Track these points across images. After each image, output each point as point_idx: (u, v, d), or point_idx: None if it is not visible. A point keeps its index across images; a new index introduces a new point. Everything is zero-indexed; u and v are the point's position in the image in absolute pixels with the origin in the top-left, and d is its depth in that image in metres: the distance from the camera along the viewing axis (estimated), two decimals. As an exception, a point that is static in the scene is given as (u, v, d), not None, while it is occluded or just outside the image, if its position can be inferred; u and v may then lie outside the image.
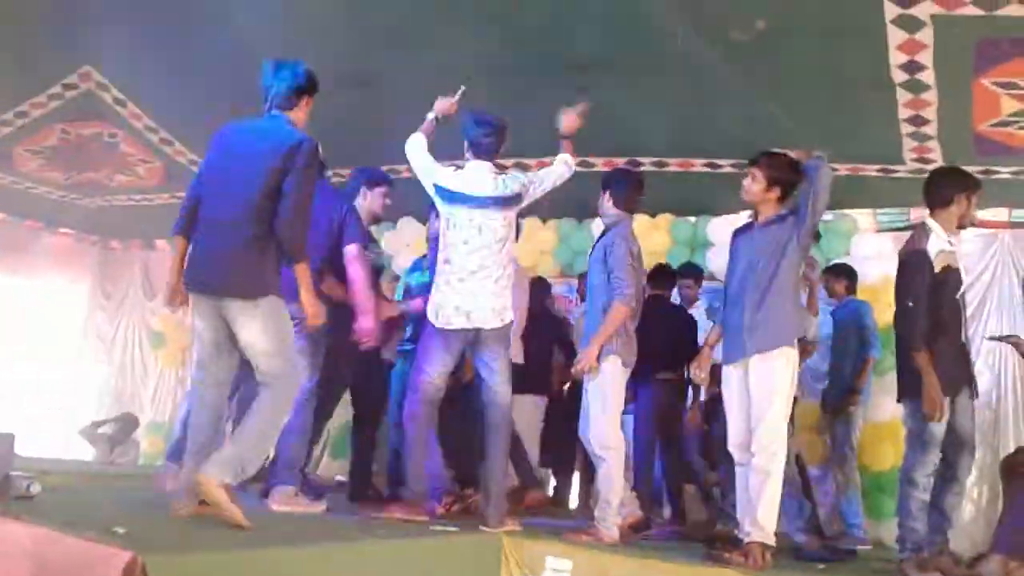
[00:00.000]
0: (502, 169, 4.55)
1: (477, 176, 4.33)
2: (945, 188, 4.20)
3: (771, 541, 3.87)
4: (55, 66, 6.31)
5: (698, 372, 4.31)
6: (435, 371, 4.26)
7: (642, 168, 6.52)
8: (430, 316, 4.27)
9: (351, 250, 4.37)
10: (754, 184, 4.15)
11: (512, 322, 4.35)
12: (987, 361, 6.26)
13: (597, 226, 7.33)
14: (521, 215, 7.27)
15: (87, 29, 5.75)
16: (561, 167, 4.56)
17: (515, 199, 4.38)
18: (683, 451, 5.79)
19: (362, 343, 4.41)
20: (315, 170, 3.51)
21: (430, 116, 4.54)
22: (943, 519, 4.16)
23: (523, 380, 5.14)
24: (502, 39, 5.20)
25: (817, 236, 4.66)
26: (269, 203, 3.32)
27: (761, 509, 3.84)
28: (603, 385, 4.27)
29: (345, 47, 5.52)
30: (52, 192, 8.51)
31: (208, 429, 3.49)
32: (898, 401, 4.21)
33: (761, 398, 3.90)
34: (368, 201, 4.87)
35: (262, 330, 3.34)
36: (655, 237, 7.06)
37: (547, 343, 6.19)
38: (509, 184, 4.37)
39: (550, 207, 7.41)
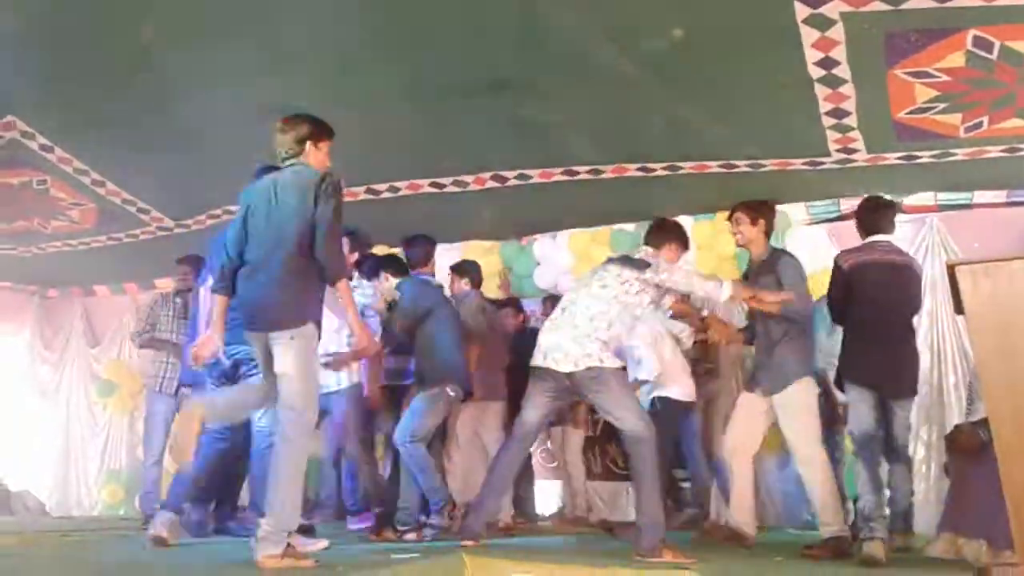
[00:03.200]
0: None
1: None
2: None
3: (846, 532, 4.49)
4: (-25, 118, 6.21)
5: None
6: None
7: (578, 177, 6.60)
8: None
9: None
10: (742, 225, 4.94)
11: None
12: (926, 340, 6.43)
13: (539, 246, 7.42)
14: (465, 238, 7.43)
15: (7, 80, 5.66)
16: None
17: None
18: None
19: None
20: (341, 199, 3.77)
21: None
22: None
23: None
24: (422, 62, 5.22)
25: None
26: (306, 237, 3.62)
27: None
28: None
29: (272, 80, 5.50)
30: (-16, 245, 8.36)
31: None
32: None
33: (788, 425, 4.64)
34: None
35: (296, 363, 3.58)
36: (595, 252, 7.11)
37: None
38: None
39: (491, 230, 7.51)
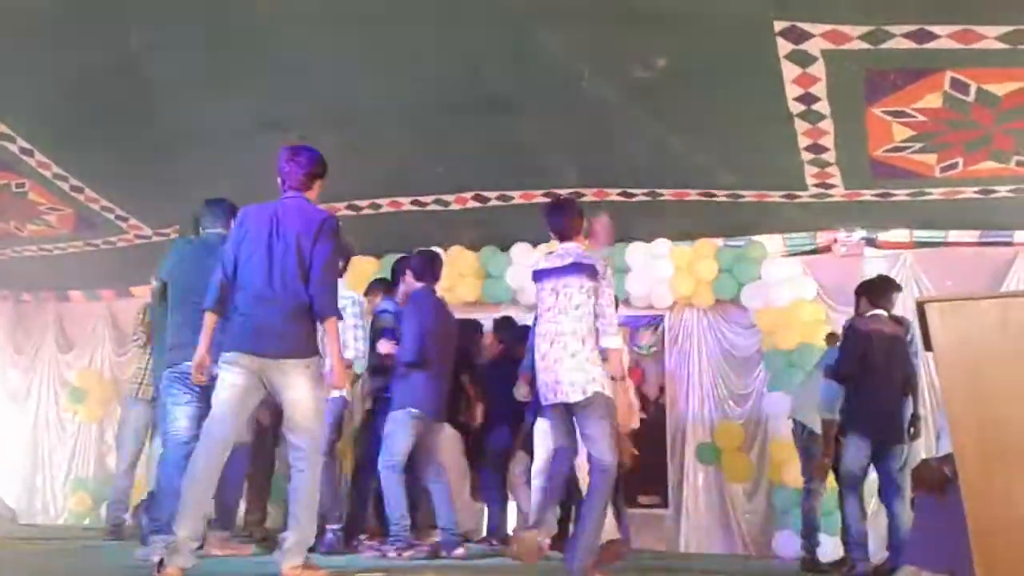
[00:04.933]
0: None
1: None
2: None
3: None
4: (-44, 121, 6.17)
5: None
6: None
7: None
8: None
9: None
10: None
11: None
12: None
13: (517, 253, 7.41)
14: (445, 245, 7.42)
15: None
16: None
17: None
18: None
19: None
20: (339, 241, 3.94)
21: None
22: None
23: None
24: (412, 80, 5.26)
25: None
26: (306, 274, 3.73)
27: None
28: None
29: (255, 91, 5.52)
30: (-42, 247, 8.27)
31: (210, 489, 3.66)
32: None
33: None
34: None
35: (309, 389, 3.70)
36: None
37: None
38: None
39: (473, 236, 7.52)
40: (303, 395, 3.69)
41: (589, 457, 4.18)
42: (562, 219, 4.37)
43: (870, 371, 5.11)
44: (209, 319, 3.78)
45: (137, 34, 5.01)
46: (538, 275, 4.36)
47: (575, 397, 4.12)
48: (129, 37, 5.02)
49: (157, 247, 7.88)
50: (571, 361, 4.14)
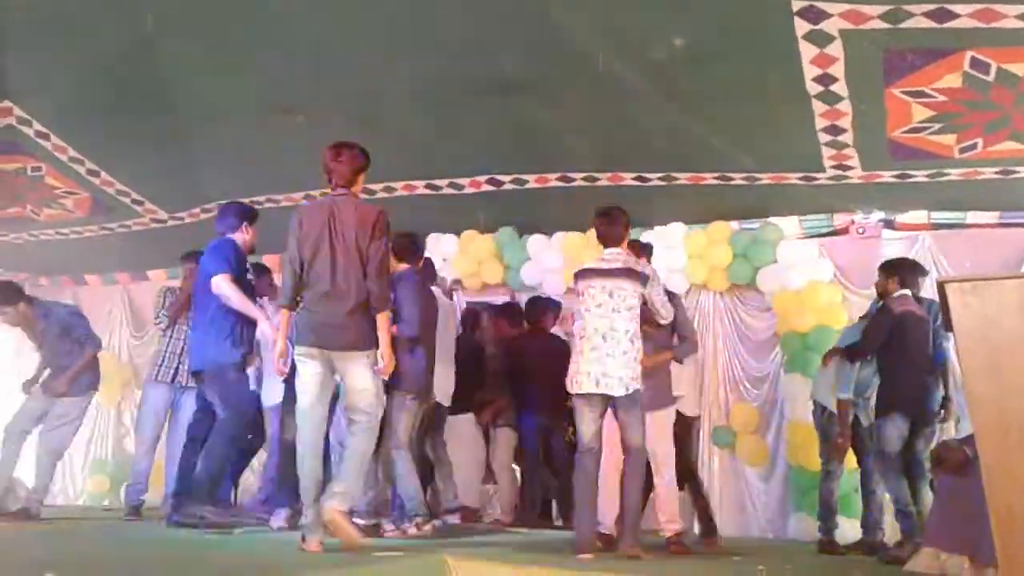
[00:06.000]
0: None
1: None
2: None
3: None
4: (-28, 103, 6.20)
5: None
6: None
7: (574, 183, 6.63)
8: None
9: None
10: None
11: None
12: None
13: (534, 243, 7.43)
14: (456, 231, 7.42)
15: (6, 65, 5.66)
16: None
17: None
18: None
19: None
20: (390, 235, 4.23)
21: None
22: None
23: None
24: (426, 61, 5.25)
25: None
26: (364, 267, 4.03)
27: None
28: None
29: (269, 74, 5.52)
30: (-24, 230, 8.33)
31: (319, 469, 4.07)
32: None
33: None
34: (248, 235, 5.15)
35: (371, 376, 4.06)
36: (587, 255, 7.08)
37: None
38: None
39: (487, 221, 7.52)
40: (365, 384, 4.05)
41: (624, 444, 4.52)
42: (614, 227, 4.69)
43: (905, 352, 5.10)
44: (285, 315, 4.15)
45: (152, 17, 5.01)
46: (586, 274, 4.66)
47: (619, 391, 4.44)
48: (144, 20, 5.02)
49: (172, 231, 7.93)
50: (622, 358, 4.46)
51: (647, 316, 4.68)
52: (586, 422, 4.54)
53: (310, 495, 3.98)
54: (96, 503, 8.58)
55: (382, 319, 4.08)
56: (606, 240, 4.70)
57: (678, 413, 5.25)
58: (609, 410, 4.57)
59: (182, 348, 6.14)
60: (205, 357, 4.87)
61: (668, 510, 4.90)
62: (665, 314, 4.74)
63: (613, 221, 4.70)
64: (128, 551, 4.04)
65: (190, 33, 5.13)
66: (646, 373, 4.62)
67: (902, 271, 5.39)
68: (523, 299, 7.12)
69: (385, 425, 5.22)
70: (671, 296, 5.00)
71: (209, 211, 7.59)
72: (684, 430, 5.35)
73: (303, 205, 4.25)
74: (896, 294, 5.26)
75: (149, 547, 4.21)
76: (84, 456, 9.08)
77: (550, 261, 7.36)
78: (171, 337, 6.20)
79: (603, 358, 4.46)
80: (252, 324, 4.96)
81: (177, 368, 6.14)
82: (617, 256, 4.65)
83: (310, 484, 4.00)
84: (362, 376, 4.05)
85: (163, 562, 3.62)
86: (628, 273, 4.57)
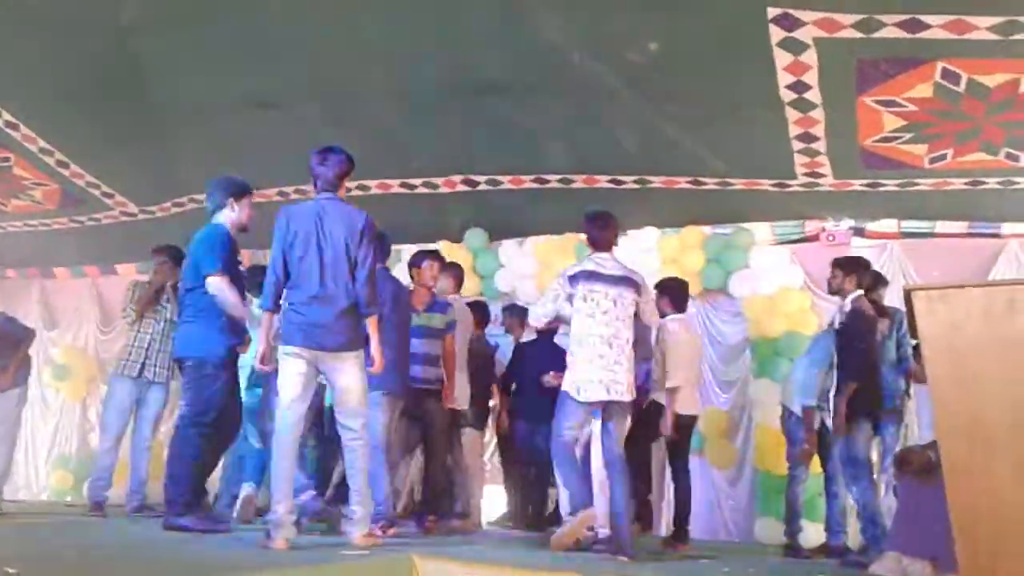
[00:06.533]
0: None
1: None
2: None
3: None
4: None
5: None
6: None
7: (549, 186, 6.64)
8: None
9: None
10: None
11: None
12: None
13: (504, 250, 7.44)
14: (432, 239, 7.38)
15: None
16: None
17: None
18: None
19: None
20: (377, 240, 4.31)
21: None
22: None
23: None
24: (403, 62, 5.24)
25: None
26: (352, 272, 4.11)
27: None
28: None
29: (244, 69, 5.48)
30: (-58, 220, 8.20)
31: (290, 468, 4.10)
32: None
33: None
34: (237, 212, 4.81)
35: (360, 376, 4.15)
36: (559, 261, 7.08)
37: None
38: None
39: (462, 223, 7.51)
40: (354, 382, 4.12)
41: (608, 451, 4.64)
42: (606, 232, 4.74)
43: (868, 353, 5.10)
44: (268, 318, 4.15)
45: (126, 9, 4.96)
46: (585, 277, 4.65)
47: (626, 397, 4.59)
48: (118, 12, 4.96)
49: (143, 225, 7.85)
50: (627, 364, 4.60)
51: None
52: (579, 426, 4.69)
53: (281, 491, 3.98)
54: (60, 498, 8.47)
55: (372, 322, 4.18)
56: (598, 244, 4.74)
57: (681, 414, 5.41)
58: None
59: (149, 342, 6.06)
60: (189, 346, 4.77)
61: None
62: (654, 321, 4.89)
63: (606, 225, 4.76)
64: (90, 548, 3.99)
65: (165, 27, 5.08)
66: None
67: (860, 272, 5.27)
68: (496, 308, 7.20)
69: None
70: None
71: (181, 205, 7.53)
72: (685, 430, 5.54)
73: (289, 207, 4.23)
74: (854, 294, 5.18)
75: (112, 544, 4.16)
76: (48, 450, 8.97)
77: (523, 267, 7.37)
78: (138, 331, 6.12)
79: (612, 365, 4.55)
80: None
81: (144, 362, 6.06)
82: (614, 262, 4.71)
83: (282, 482, 4.00)
84: (352, 376, 4.13)
85: (125, 559, 3.57)
86: (629, 281, 4.67)
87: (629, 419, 4.76)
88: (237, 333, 4.76)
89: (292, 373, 4.05)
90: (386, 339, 4.70)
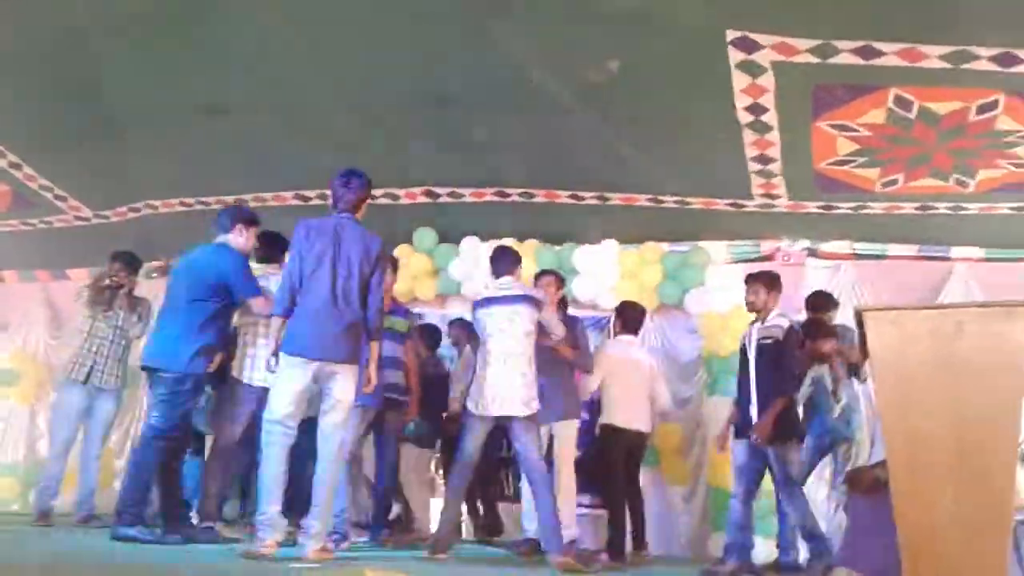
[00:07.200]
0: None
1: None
2: None
3: None
4: None
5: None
6: None
7: (510, 198, 6.67)
8: None
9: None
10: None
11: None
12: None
13: (465, 245, 7.38)
14: (395, 243, 7.35)
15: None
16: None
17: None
18: None
19: None
20: (388, 264, 4.60)
21: None
22: None
23: None
24: (364, 74, 5.23)
25: None
26: (362, 292, 4.25)
27: None
28: None
29: (206, 76, 5.44)
30: None
31: (281, 475, 4.14)
32: None
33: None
34: (244, 239, 4.99)
35: (352, 391, 4.26)
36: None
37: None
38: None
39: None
40: (346, 395, 4.24)
41: (525, 462, 4.81)
42: (506, 263, 5.10)
43: (796, 370, 5.33)
44: (280, 323, 4.24)
45: (82, 9, 4.89)
46: (486, 302, 4.99)
47: (522, 412, 4.77)
48: (74, 14, 4.90)
49: (96, 229, 7.73)
50: (521, 379, 4.80)
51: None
52: (476, 439, 4.92)
53: (272, 494, 4.08)
54: (5, 507, 8.27)
55: (373, 347, 4.32)
56: (500, 274, 5.08)
57: (635, 431, 5.79)
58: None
59: (98, 347, 5.97)
60: (172, 359, 4.63)
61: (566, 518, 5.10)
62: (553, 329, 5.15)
63: (510, 259, 5.14)
64: (34, 557, 3.91)
65: (123, 30, 5.01)
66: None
67: (780, 289, 5.33)
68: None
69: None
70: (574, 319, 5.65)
71: (136, 211, 7.43)
72: (635, 448, 5.85)
73: (308, 220, 4.36)
74: (777, 312, 5.23)
75: (58, 554, 4.08)
76: (-6, 458, 8.75)
77: (481, 260, 7.30)
78: (88, 335, 6.02)
79: (502, 382, 4.83)
80: (227, 332, 4.93)
81: (91, 367, 5.96)
82: (514, 284, 5.04)
83: (273, 485, 4.10)
84: (345, 387, 4.23)
85: (71, 570, 3.51)
86: (526, 299, 4.96)
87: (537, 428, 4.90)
88: (212, 355, 4.77)
89: (289, 388, 4.15)
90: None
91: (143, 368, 4.81)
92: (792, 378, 5.19)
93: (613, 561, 5.46)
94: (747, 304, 5.34)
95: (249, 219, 5.03)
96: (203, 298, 4.69)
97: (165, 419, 4.58)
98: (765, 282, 5.29)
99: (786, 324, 5.18)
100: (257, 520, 4.07)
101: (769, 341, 5.15)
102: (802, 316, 5.84)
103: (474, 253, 7.30)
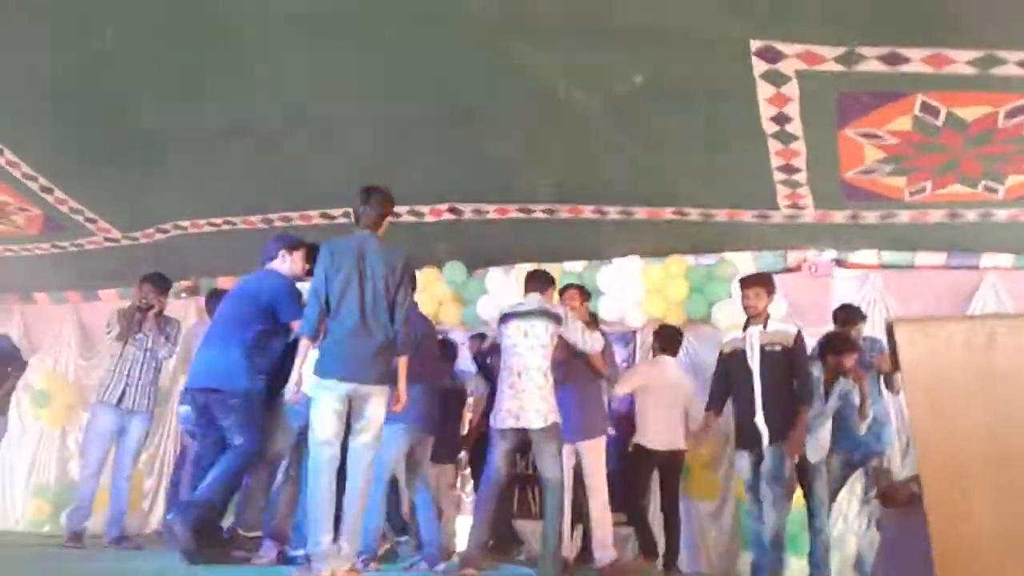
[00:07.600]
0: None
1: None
2: None
3: None
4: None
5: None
6: None
7: (534, 215, 6.66)
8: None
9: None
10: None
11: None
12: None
13: (491, 279, 7.41)
14: (418, 265, 7.38)
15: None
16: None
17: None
18: None
19: None
20: (414, 280, 4.65)
21: None
22: None
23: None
24: (387, 92, 5.25)
25: None
26: (390, 308, 4.26)
27: None
28: None
29: (230, 98, 5.49)
30: (-78, 244, 8.13)
31: (332, 502, 4.12)
32: None
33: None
34: (289, 264, 5.12)
35: (383, 412, 4.26)
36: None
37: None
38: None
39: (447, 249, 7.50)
40: (378, 415, 4.23)
41: (541, 475, 4.91)
42: (537, 283, 5.27)
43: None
44: (307, 344, 4.27)
45: (109, 34, 4.96)
46: (506, 317, 5.13)
47: (538, 424, 4.82)
48: (102, 37, 4.96)
49: (126, 250, 7.82)
50: (537, 392, 4.86)
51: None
52: (502, 453, 4.99)
53: (322, 524, 4.03)
54: (36, 528, 8.34)
55: (401, 362, 4.31)
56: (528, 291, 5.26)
57: (668, 452, 5.95)
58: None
59: (129, 369, 6.02)
60: (236, 379, 4.75)
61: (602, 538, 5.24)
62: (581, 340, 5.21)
63: (541, 281, 5.30)
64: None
65: (147, 54, 5.07)
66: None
67: (775, 292, 5.42)
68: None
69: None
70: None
71: (165, 231, 7.51)
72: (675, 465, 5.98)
73: (332, 241, 4.35)
74: (777, 317, 5.41)
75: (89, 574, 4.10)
76: (26, 479, 8.84)
77: (509, 295, 7.35)
78: (119, 357, 6.08)
79: (519, 395, 4.93)
80: (278, 352, 4.97)
81: (124, 389, 6.02)
82: (535, 299, 5.19)
83: (324, 515, 4.05)
84: (378, 408, 4.23)
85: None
86: (543, 313, 5.07)
87: (557, 440, 4.94)
88: (265, 373, 4.91)
89: (328, 411, 4.14)
90: (412, 374, 4.69)
91: (200, 390, 4.82)
92: (809, 387, 5.10)
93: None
94: (748, 308, 5.29)
95: (291, 245, 5.16)
96: (254, 321, 4.83)
97: (252, 440, 4.71)
98: (766, 285, 5.28)
99: (794, 331, 5.13)
100: (311, 551, 4.03)
101: (777, 348, 5.08)
102: (827, 328, 5.79)
103: (500, 288, 7.37)
